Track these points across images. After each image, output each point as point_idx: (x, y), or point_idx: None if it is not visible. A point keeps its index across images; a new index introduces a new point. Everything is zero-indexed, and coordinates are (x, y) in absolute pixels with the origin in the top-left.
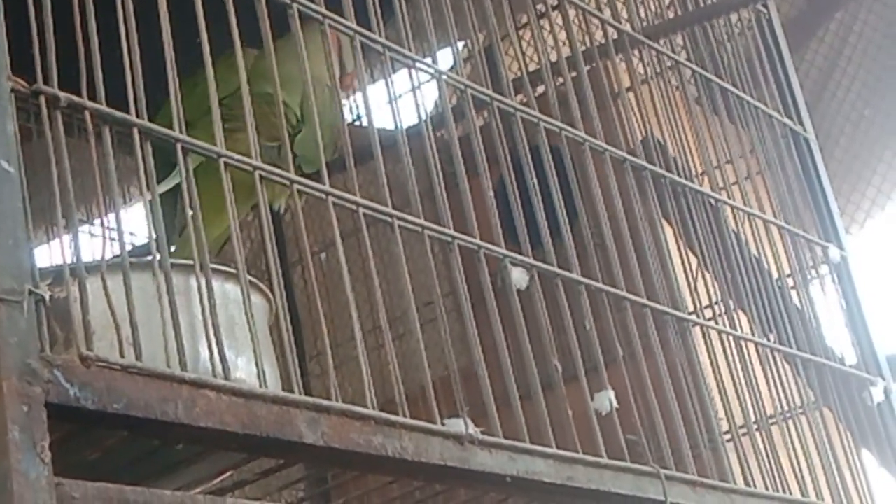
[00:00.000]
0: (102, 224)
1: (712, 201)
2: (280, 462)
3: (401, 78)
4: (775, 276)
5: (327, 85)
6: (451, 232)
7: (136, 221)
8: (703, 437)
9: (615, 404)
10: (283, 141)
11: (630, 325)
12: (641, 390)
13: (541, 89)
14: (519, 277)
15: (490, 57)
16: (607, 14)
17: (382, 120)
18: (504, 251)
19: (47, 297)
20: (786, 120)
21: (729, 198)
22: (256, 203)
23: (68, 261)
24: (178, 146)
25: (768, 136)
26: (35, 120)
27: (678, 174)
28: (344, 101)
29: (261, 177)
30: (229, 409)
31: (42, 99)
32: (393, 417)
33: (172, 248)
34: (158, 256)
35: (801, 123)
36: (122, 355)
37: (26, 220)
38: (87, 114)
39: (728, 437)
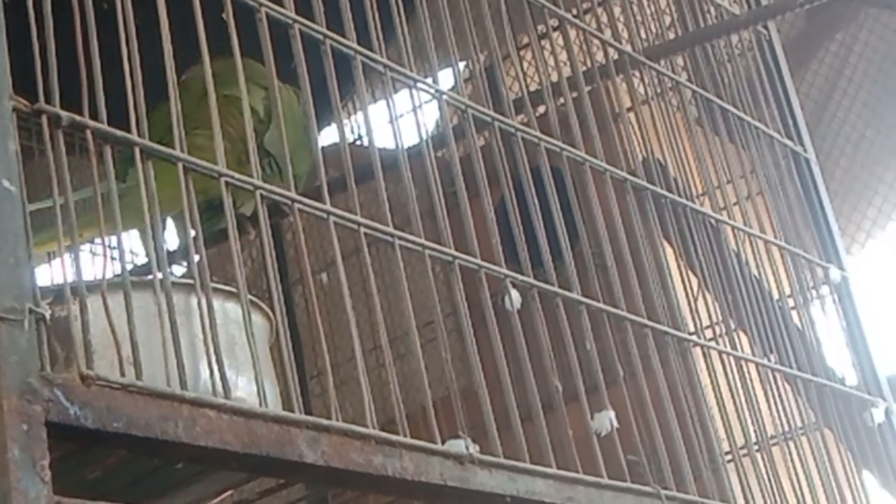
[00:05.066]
0: (103, 243)
1: (713, 221)
2: (280, 481)
3: (402, 98)
4: (776, 296)
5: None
6: (452, 252)
7: (136, 240)
8: (704, 458)
9: (616, 424)
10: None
11: (631, 345)
12: (642, 410)
13: (542, 109)
14: (517, 297)
15: (491, 77)
16: (608, 34)
17: (383, 140)
18: (505, 271)
19: (48, 316)
20: (786, 140)
21: (729, 218)
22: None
23: (69, 279)
24: (180, 165)
25: (769, 157)
26: (37, 139)
27: (679, 194)
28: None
29: (261, 194)
30: (229, 429)
31: (44, 118)
32: (393, 437)
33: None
34: (159, 275)
35: (802, 144)
36: (122, 374)
37: (27, 239)
38: (88, 133)
39: (729, 457)
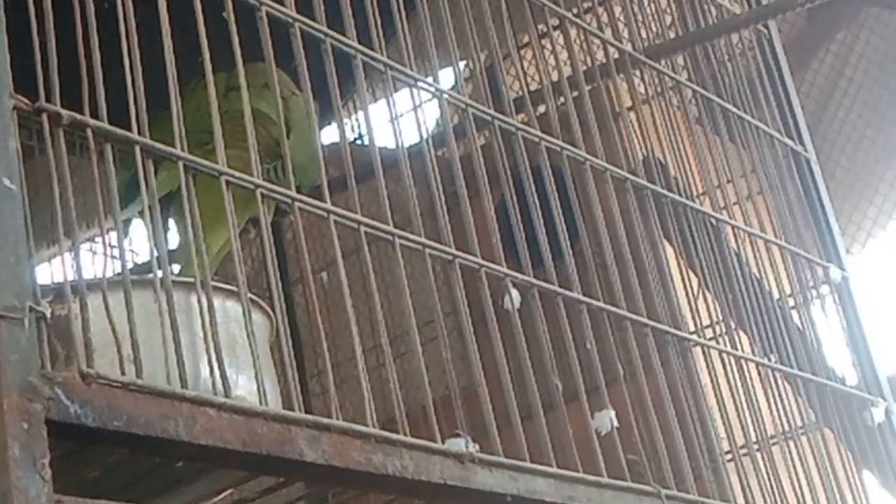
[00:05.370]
0: (104, 241)
1: (713, 221)
2: (280, 480)
3: (402, 97)
4: (776, 295)
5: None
6: (453, 250)
7: (137, 238)
8: (704, 457)
9: (616, 424)
10: (252, 148)
11: (631, 344)
12: (642, 410)
13: (542, 108)
14: (518, 296)
15: (491, 76)
16: (608, 34)
17: (384, 139)
18: (505, 270)
19: (48, 315)
20: (787, 140)
21: (730, 217)
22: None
23: (69, 278)
24: (181, 164)
25: (769, 156)
26: (37, 138)
27: (679, 194)
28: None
29: (261, 194)
30: (230, 427)
31: (44, 116)
32: (393, 436)
33: (175, 267)
34: (160, 274)
35: (802, 143)
36: (122, 373)
37: (28, 238)
38: (89, 131)
39: (729, 456)
